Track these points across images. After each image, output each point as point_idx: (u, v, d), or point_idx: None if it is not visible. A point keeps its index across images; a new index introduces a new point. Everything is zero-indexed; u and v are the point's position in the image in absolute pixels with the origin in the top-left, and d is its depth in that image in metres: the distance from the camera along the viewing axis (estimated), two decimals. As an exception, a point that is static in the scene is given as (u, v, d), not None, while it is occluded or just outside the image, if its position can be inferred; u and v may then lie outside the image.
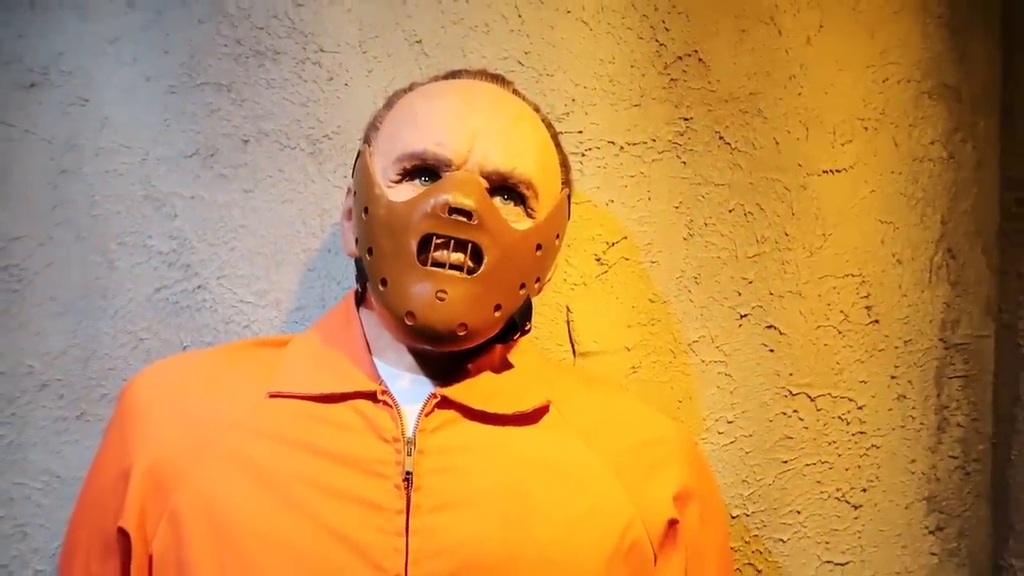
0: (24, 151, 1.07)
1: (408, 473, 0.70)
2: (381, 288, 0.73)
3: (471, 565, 0.69)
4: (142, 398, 0.78)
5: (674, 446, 0.83)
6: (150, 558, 0.72)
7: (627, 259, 1.11)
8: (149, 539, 0.72)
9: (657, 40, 1.10)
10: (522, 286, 0.77)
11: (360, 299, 0.84)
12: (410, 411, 0.75)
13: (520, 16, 1.07)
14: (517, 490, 0.73)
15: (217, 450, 0.73)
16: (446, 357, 0.77)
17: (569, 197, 0.86)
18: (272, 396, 0.76)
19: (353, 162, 0.86)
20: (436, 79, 0.86)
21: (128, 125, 1.08)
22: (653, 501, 0.78)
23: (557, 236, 0.81)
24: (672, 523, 0.78)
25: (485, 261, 0.73)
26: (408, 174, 0.76)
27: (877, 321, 1.16)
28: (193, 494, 0.71)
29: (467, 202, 0.71)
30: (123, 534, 0.72)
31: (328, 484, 0.70)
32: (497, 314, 0.74)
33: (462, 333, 0.71)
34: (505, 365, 0.81)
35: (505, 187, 0.77)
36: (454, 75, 0.86)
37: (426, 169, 0.76)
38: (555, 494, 0.74)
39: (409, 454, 0.71)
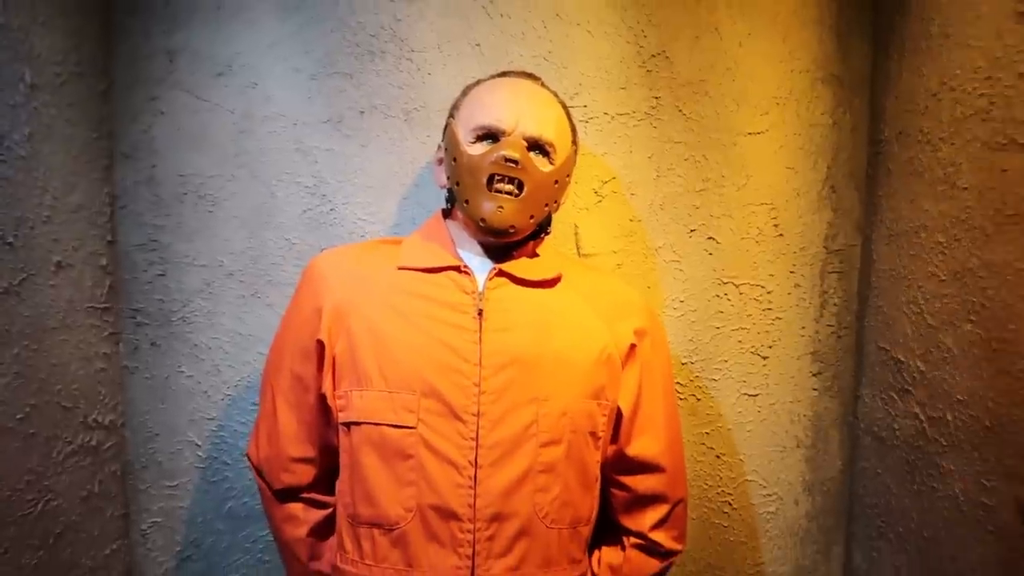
0: (216, 118, 1.43)
1: (480, 310, 1.12)
2: (465, 205, 1.12)
3: (515, 360, 1.10)
4: (322, 269, 1.19)
5: (637, 305, 1.24)
6: (333, 359, 1.14)
7: (615, 192, 1.46)
8: (333, 346, 1.14)
9: (638, 44, 1.43)
10: (546, 205, 1.15)
11: (446, 214, 1.23)
12: (480, 277, 1.15)
13: (545, 27, 1.42)
14: (541, 322, 1.14)
15: (372, 297, 1.15)
16: (501, 247, 1.17)
17: (575, 151, 1.22)
18: (399, 268, 1.17)
19: (443, 129, 1.21)
20: (493, 77, 1.20)
21: (284, 101, 1.42)
22: (621, 333, 1.19)
23: (568, 175, 1.19)
24: (632, 347, 1.20)
25: (525, 190, 1.09)
26: (479, 138, 1.12)
27: (782, 235, 1.50)
28: (360, 319, 1.13)
29: (515, 155, 1.08)
30: (318, 344, 1.14)
31: (436, 315, 1.12)
32: (531, 221, 1.14)
33: (511, 231, 1.12)
34: (534, 255, 1.21)
35: (537, 146, 1.12)
36: (504, 74, 1.21)
37: (490, 134, 1.11)
38: (563, 325, 1.15)
39: (480, 301, 1.13)
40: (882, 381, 1.41)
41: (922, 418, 1.27)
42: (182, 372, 1.50)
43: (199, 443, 1.51)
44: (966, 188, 1.15)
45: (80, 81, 1.36)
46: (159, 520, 1.53)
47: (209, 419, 1.51)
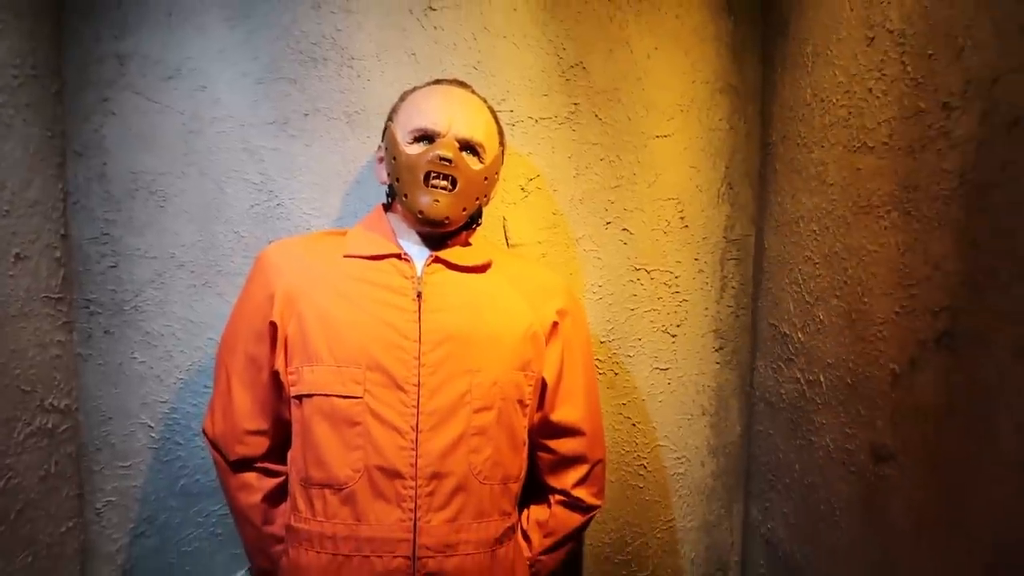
0: (166, 119, 1.51)
1: (419, 293, 1.25)
2: (404, 199, 1.24)
3: (451, 337, 1.24)
4: (273, 259, 1.30)
5: (559, 289, 1.38)
6: (286, 339, 1.25)
7: (539, 188, 1.59)
8: (285, 328, 1.25)
9: (558, 55, 1.57)
10: (477, 199, 1.28)
11: (387, 208, 1.35)
12: (418, 264, 1.28)
13: (475, 39, 1.55)
14: (474, 303, 1.28)
15: (320, 283, 1.26)
16: (437, 237, 1.30)
17: (503, 151, 1.35)
18: (345, 256, 1.28)
19: (382, 131, 1.33)
20: (428, 84, 1.32)
21: (232, 103, 1.51)
22: (544, 314, 1.34)
23: (496, 172, 1.33)
24: (555, 325, 1.34)
25: (458, 185, 1.22)
26: (416, 139, 1.25)
27: (687, 227, 1.66)
28: (309, 304, 1.24)
29: (449, 155, 1.22)
30: (271, 326, 1.25)
31: (379, 298, 1.24)
32: (464, 213, 1.27)
33: (446, 222, 1.24)
34: (467, 243, 1.34)
35: (468, 146, 1.25)
36: (438, 82, 1.34)
37: (426, 136, 1.24)
38: (493, 307, 1.29)
39: (418, 284, 1.25)
40: (772, 353, 1.61)
41: (802, 382, 1.47)
42: (135, 358, 1.57)
43: (152, 425, 1.59)
44: (832, 184, 1.35)
45: (35, 83, 1.44)
46: (113, 499, 1.60)
47: (162, 402, 1.58)
